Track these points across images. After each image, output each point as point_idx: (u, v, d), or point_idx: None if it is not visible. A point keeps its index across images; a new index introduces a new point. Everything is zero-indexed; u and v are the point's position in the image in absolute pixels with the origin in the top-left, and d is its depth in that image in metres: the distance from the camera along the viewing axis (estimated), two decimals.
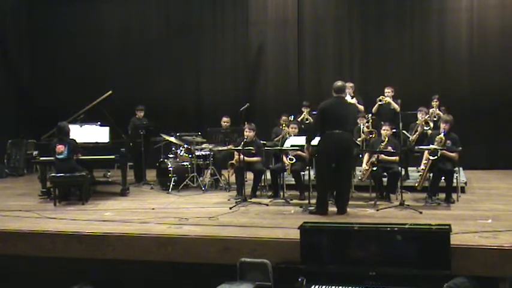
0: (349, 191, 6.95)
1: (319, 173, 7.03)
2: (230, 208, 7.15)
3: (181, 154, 9.33)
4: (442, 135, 7.27)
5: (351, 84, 9.38)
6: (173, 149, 9.52)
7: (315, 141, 6.85)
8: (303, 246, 5.11)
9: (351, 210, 6.83)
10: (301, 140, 7.39)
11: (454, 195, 7.36)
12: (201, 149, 9.26)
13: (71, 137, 8.04)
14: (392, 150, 7.59)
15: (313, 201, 6.88)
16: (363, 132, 8.69)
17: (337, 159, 6.62)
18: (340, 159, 6.62)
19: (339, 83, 6.83)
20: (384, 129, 7.82)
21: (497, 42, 10.80)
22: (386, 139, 7.72)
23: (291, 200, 7.67)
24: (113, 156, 8.55)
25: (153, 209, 7.32)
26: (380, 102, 9.17)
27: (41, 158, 8.53)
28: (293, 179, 8.07)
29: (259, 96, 12.13)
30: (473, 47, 10.96)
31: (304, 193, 7.70)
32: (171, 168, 8.96)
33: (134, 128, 9.92)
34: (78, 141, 8.15)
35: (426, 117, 8.53)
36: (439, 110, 9.10)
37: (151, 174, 9.89)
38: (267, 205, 7.41)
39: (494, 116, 10.70)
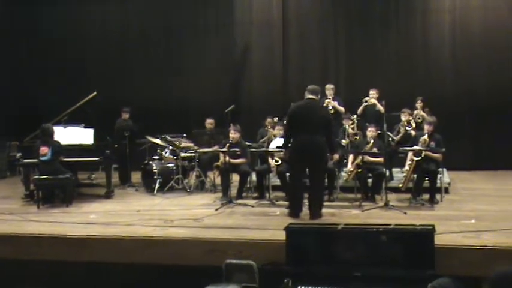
0: (322, 196, 6.85)
1: (290, 176, 7.06)
2: (216, 210, 7.15)
3: (166, 156, 9.32)
4: (426, 136, 7.36)
5: (331, 86, 9.49)
6: (158, 150, 9.50)
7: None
8: (288, 248, 5.13)
9: (336, 211, 6.89)
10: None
11: (438, 196, 7.45)
12: (187, 151, 9.25)
13: (55, 139, 7.98)
14: (377, 152, 7.66)
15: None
16: (347, 135, 8.75)
17: (306, 165, 6.58)
18: (310, 164, 6.56)
19: (314, 86, 6.79)
20: (370, 131, 7.90)
21: (481, 43, 10.92)
22: (372, 141, 7.79)
23: (277, 201, 7.69)
24: (97, 158, 8.50)
25: (138, 211, 7.28)
26: (365, 104, 9.25)
27: (24, 160, 8.42)
28: (278, 180, 8.10)
29: (245, 98, 12.14)
30: (456, 48, 11.09)
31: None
32: (156, 170, 8.93)
33: (119, 129, 9.88)
34: (62, 143, 8.09)
35: (409, 118, 8.60)
36: (423, 111, 9.20)
37: (136, 176, 9.86)
38: (253, 206, 7.43)
39: (478, 117, 10.82)
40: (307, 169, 6.64)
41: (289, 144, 6.75)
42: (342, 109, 9.36)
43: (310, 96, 6.71)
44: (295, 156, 6.57)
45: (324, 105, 9.27)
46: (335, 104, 9.34)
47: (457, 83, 11.03)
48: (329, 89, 9.46)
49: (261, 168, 8.26)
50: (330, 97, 9.36)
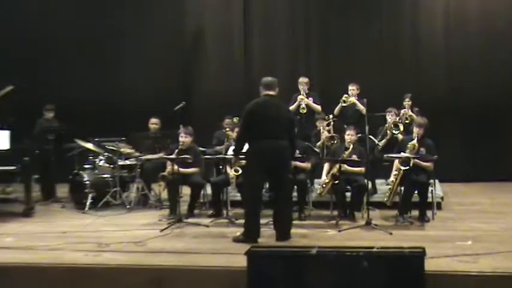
0: (291, 212, 6.90)
1: (246, 191, 6.88)
2: (161, 230, 7.10)
3: (100, 164, 9.21)
4: (415, 141, 7.47)
5: (306, 80, 9.57)
6: (90, 157, 9.39)
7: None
8: (250, 275, 5.11)
9: (308, 232, 6.92)
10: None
11: (429, 213, 7.58)
12: (126, 158, 9.17)
13: None
14: (357, 160, 7.74)
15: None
16: (322, 139, 8.82)
17: (270, 175, 6.57)
18: (274, 175, 6.56)
19: (269, 78, 6.76)
20: (348, 134, 7.98)
21: (478, 32, 11.25)
22: (351, 146, 7.87)
23: (237, 219, 7.68)
24: (13, 167, 8.36)
25: (65, 232, 7.19)
26: (344, 104, 9.34)
27: None
28: (239, 194, 8.10)
29: (198, 93, 12.14)
30: (450, 37, 11.37)
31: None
32: (87, 182, 8.84)
33: (42, 131, 9.74)
34: None
35: (395, 119, 8.71)
36: (412, 111, 9.33)
37: (62, 190, 9.74)
38: (207, 226, 7.42)
39: (475, 119, 11.13)
40: (266, 181, 6.63)
41: (242, 151, 6.76)
42: (317, 107, 9.45)
43: (268, 92, 6.66)
44: (254, 165, 6.52)
45: (297, 102, 9.35)
46: (309, 101, 9.41)
47: (451, 79, 11.31)
48: (302, 83, 9.53)
49: (218, 180, 8.24)
50: (304, 93, 9.43)
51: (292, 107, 9.41)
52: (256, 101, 6.68)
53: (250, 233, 6.44)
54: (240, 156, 6.83)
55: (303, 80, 9.57)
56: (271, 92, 6.66)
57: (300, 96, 9.39)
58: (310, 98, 9.46)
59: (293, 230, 6.74)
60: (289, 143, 6.59)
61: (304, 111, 9.38)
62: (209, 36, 12.17)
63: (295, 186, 7.84)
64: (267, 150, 6.42)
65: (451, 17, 11.35)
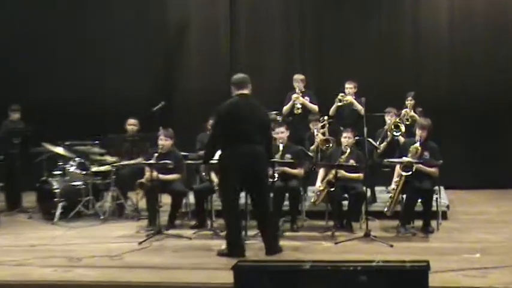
0: (274, 222, 6.93)
1: (223, 201, 6.86)
2: (139, 243, 7.10)
3: (71, 171, 9.18)
4: (417, 144, 7.49)
5: (301, 77, 9.56)
6: (61, 163, 9.36)
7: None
8: None
9: (301, 244, 6.93)
10: None
11: (433, 223, 7.61)
12: (100, 164, 9.13)
13: None
14: (355, 165, 7.76)
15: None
16: (316, 142, 8.83)
17: (246, 183, 6.57)
18: (250, 182, 6.57)
19: (240, 75, 6.74)
20: (345, 137, 8.00)
21: (484, 25, 11.27)
22: (348, 150, 7.89)
23: (222, 231, 7.63)
24: None
25: (32, 246, 7.17)
26: (339, 103, 9.36)
27: None
28: None
29: (180, 92, 12.13)
30: (454, 31, 11.38)
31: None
32: (57, 190, 8.81)
33: (6, 134, 9.70)
34: None
35: (396, 120, 8.72)
36: (414, 111, 9.37)
37: (29, 199, 9.70)
38: (190, 239, 7.42)
39: (482, 119, 11.14)
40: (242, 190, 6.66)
41: (213, 157, 6.76)
42: (314, 107, 9.45)
43: (241, 92, 6.64)
44: (229, 173, 6.49)
45: (291, 102, 9.36)
46: (305, 100, 9.42)
47: (455, 76, 11.33)
48: (298, 80, 9.53)
49: (201, 187, 8.23)
50: (299, 91, 9.43)
51: (286, 107, 9.44)
52: (229, 102, 6.64)
53: (235, 247, 6.44)
54: (211, 163, 6.81)
55: (298, 77, 9.56)
56: (244, 91, 6.64)
57: (294, 95, 9.40)
58: (306, 97, 9.46)
59: (285, 243, 6.75)
60: (264, 148, 6.61)
61: (299, 111, 9.39)
62: (193, 29, 12.14)
63: (287, 194, 7.85)
64: (242, 155, 6.41)
65: (455, 11, 11.38)
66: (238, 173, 6.44)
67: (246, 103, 6.60)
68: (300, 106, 9.37)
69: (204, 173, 7.42)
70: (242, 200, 7.03)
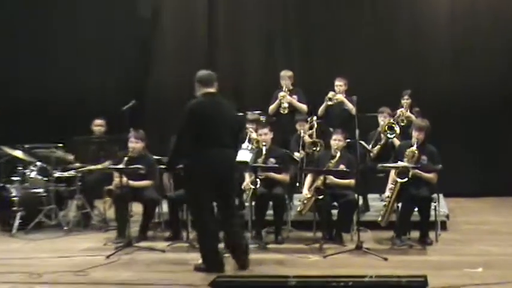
0: (243, 233, 6.91)
1: (195, 211, 6.75)
2: (107, 257, 7.06)
3: (31, 176, 9.13)
4: (414, 147, 7.52)
5: (289, 73, 9.55)
6: (20, 168, 9.30)
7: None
8: None
9: (286, 257, 6.92)
10: None
11: (431, 234, 7.62)
12: (64, 169, 9.11)
13: None
14: (345, 170, 7.77)
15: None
16: (303, 145, 8.83)
17: (217, 191, 6.51)
18: (221, 190, 6.53)
19: (206, 72, 6.67)
20: (335, 139, 8.00)
21: (488, 14, 11.35)
22: (338, 154, 7.89)
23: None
24: None
25: None
26: (329, 102, 9.37)
27: None
28: None
29: (152, 90, 12.12)
30: (455, 22, 11.47)
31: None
32: (15, 198, 8.76)
33: None
34: None
35: (390, 120, 8.71)
36: (411, 111, 9.40)
37: None
38: (163, 251, 7.39)
39: (486, 120, 11.22)
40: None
41: (178, 163, 6.73)
42: (303, 107, 9.45)
43: (209, 90, 6.59)
44: (200, 181, 6.43)
45: (277, 101, 9.35)
46: (292, 99, 9.42)
47: (458, 71, 11.40)
48: (285, 77, 9.52)
49: (176, 195, 8.19)
50: (286, 89, 9.43)
51: (272, 107, 9.43)
52: (198, 101, 6.57)
53: (212, 262, 6.41)
54: (176, 169, 6.76)
55: (285, 73, 9.55)
56: (211, 89, 6.59)
57: (281, 93, 9.39)
58: (294, 96, 9.45)
59: (268, 256, 6.75)
60: (235, 152, 6.64)
61: (286, 111, 9.37)
62: (166, 19, 12.13)
63: (271, 203, 7.85)
64: (215, 161, 6.39)
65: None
66: (210, 181, 6.40)
67: (216, 103, 6.58)
68: (286, 105, 9.35)
69: (168, 182, 7.33)
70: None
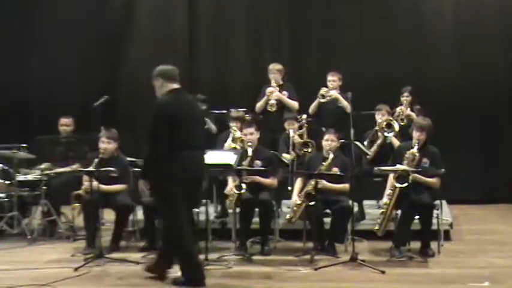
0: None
1: (173, 221, 6.64)
2: (76, 269, 7.03)
3: None
4: (415, 149, 7.53)
5: (278, 67, 9.52)
6: None
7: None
8: None
9: (272, 270, 6.92)
10: None
11: (433, 245, 7.63)
12: (28, 172, 9.08)
13: None
14: (339, 173, 7.77)
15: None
16: (293, 146, 8.83)
17: (189, 198, 6.58)
18: (192, 197, 6.65)
19: (169, 67, 6.70)
20: (327, 140, 8.01)
21: (492, 10, 11.42)
22: (331, 155, 7.90)
23: None
24: None
25: None
26: (322, 99, 9.38)
27: None
28: None
29: (126, 85, 12.10)
30: (460, 12, 11.51)
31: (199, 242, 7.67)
32: None
33: None
34: None
35: (388, 118, 8.71)
36: (412, 109, 9.41)
37: None
38: (138, 263, 7.35)
39: (492, 119, 11.29)
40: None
41: (152, 166, 6.65)
42: (293, 104, 9.44)
43: (174, 86, 6.61)
44: (176, 187, 6.43)
45: (265, 97, 9.33)
46: (281, 95, 9.40)
47: (463, 66, 11.45)
48: (273, 71, 9.49)
49: (152, 201, 8.17)
50: (275, 84, 9.41)
51: (259, 104, 9.40)
52: (166, 101, 6.55)
53: (194, 275, 6.39)
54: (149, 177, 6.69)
55: (274, 67, 9.51)
56: (176, 85, 6.62)
57: (269, 89, 9.37)
58: (284, 92, 9.42)
59: (253, 268, 6.75)
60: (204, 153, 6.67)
61: (274, 108, 9.31)
62: (142, 10, 12.15)
63: (257, 210, 7.84)
64: (191, 164, 6.42)
65: None
66: (186, 187, 6.42)
67: (184, 101, 6.63)
68: (274, 102, 9.31)
69: (144, 186, 7.30)
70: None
